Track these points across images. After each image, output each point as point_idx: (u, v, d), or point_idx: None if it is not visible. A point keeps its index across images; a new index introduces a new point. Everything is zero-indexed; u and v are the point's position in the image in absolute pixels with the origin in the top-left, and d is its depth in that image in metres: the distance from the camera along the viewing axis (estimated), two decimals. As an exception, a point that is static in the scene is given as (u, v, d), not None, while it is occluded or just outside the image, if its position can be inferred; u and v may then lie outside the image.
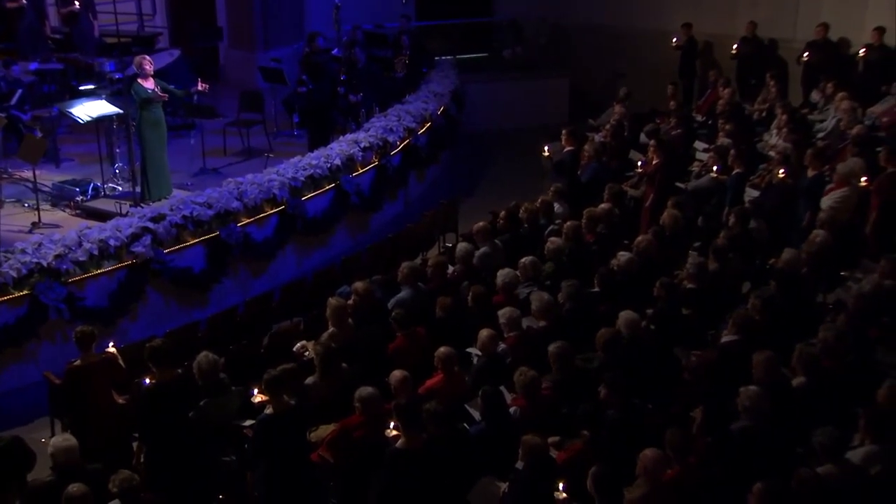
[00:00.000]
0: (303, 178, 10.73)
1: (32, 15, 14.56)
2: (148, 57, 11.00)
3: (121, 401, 7.16)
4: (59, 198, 11.16)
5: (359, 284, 8.01)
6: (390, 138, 12.25)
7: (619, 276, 8.19)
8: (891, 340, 7.14)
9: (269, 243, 10.35)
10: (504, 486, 5.82)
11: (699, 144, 12.22)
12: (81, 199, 11.05)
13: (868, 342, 6.99)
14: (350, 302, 7.85)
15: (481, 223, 9.33)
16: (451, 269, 8.79)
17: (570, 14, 17.32)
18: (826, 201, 9.26)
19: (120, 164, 11.88)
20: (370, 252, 10.12)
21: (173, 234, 9.42)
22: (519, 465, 5.78)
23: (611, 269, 8.27)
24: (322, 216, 11.01)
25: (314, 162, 11.05)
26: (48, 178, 11.51)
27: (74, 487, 5.34)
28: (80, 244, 8.81)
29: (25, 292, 8.41)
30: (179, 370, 6.96)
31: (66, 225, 10.20)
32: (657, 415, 6.45)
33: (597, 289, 8.10)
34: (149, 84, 10.64)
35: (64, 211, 10.94)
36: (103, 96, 11.90)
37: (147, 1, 16.80)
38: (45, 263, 8.53)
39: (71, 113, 11.18)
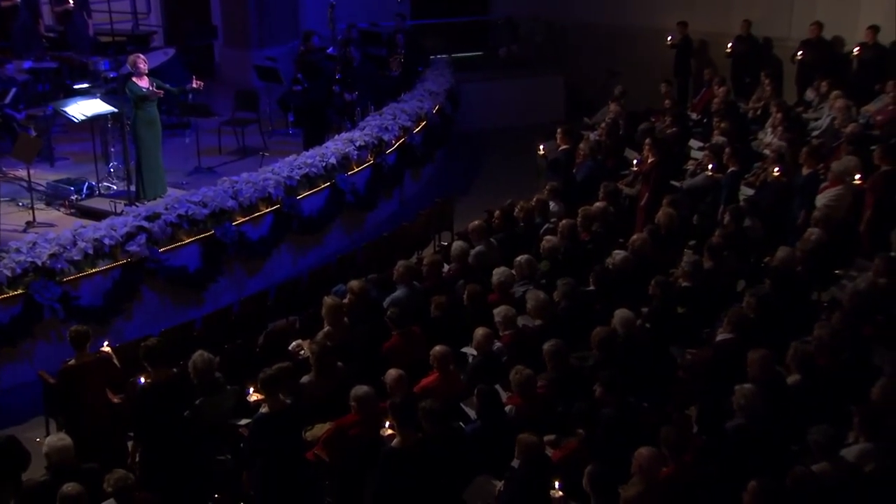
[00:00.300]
0: (298, 177, 10.73)
1: (26, 13, 14.50)
2: (142, 56, 10.99)
3: (116, 400, 7.14)
4: (54, 197, 11.13)
5: (354, 283, 8.01)
6: (385, 137, 12.25)
7: (614, 274, 8.19)
8: (885, 338, 7.15)
9: (265, 242, 10.35)
10: (500, 484, 5.82)
11: (694, 143, 12.23)
12: (76, 198, 11.02)
13: (862, 340, 7.01)
14: (345, 301, 7.85)
15: (477, 222, 9.32)
16: (446, 267, 8.80)
17: (565, 12, 17.32)
18: (821, 199, 9.28)
19: (115, 163, 11.86)
20: (365, 251, 10.12)
21: (168, 233, 9.41)
22: (515, 463, 5.78)
23: (606, 267, 8.28)
24: (317, 215, 11.01)
25: (309, 161, 11.04)
26: (43, 177, 11.49)
27: (69, 487, 5.32)
28: (74, 243, 8.80)
29: (20, 291, 8.40)
30: (175, 369, 6.96)
31: (61, 224, 10.17)
32: (652, 413, 6.46)
33: (592, 287, 8.10)
34: (143, 83, 10.62)
35: (58, 210, 10.91)
36: (98, 95, 11.89)
37: (142, -1, 16.80)
38: (39, 262, 8.52)
39: (65, 112, 11.16)
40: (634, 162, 10.95)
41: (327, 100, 13.15)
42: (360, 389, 6.27)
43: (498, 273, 8.01)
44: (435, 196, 12.00)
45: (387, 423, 6.15)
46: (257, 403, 6.57)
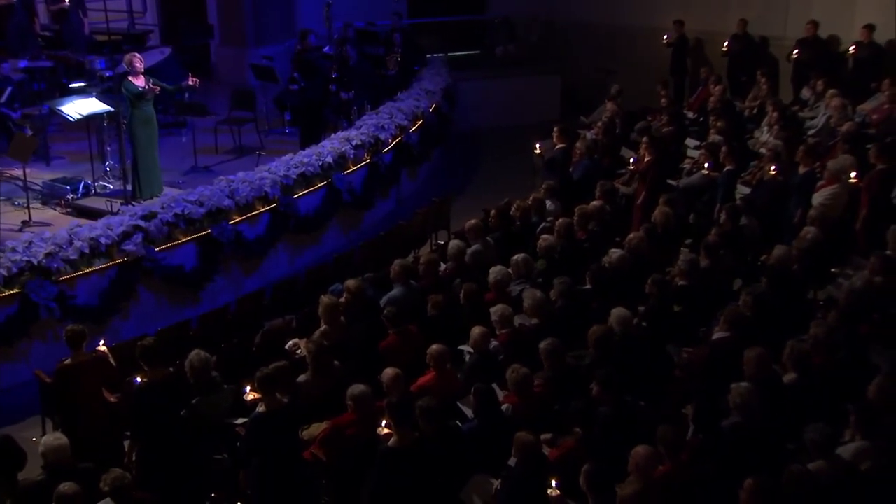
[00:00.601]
0: (294, 176, 10.72)
1: (22, 12, 14.47)
2: (139, 55, 10.96)
3: (112, 399, 7.13)
4: (50, 196, 11.12)
5: (351, 282, 8.01)
6: (382, 136, 12.24)
7: (610, 273, 8.20)
8: (882, 337, 7.16)
9: (261, 241, 10.35)
10: (497, 483, 5.83)
11: (691, 141, 12.25)
12: (72, 198, 11.01)
13: (859, 339, 7.01)
14: (342, 300, 7.85)
15: (473, 221, 9.32)
16: (443, 266, 8.80)
17: (562, 12, 17.35)
18: (817, 198, 9.30)
19: (111, 162, 11.84)
20: (362, 250, 10.12)
21: (165, 233, 9.40)
22: (511, 462, 5.78)
23: (603, 266, 8.29)
24: (314, 214, 11.01)
25: (306, 160, 11.03)
26: (39, 176, 11.48)
27: (65, 486, 5.32)
28: (70, 242, 8.78)
29: (16, 291, 8.39)
30: (171, 369, 6.96)
31: (57, 223, 10.16)
32: (649, 411, 6.46)
33: (589, 286, 8.10)
34: (140, 82, 10.60)
35: (54, 209, 10.89)
36: (94, 94, 11.85)
37: (138, -2, 16.78)
38: (35, 262, 8.50)
39: (61, 111, 11.13)
40: (631, 161, 10.96)
41: (324, 99, 13.14)
42: (357, 388, 6.27)
43: (494, 272, 8.01)
44: (432, 195, 12.00)
45: (383, 423, 6.14)
46: (254, 402, 6.55)
